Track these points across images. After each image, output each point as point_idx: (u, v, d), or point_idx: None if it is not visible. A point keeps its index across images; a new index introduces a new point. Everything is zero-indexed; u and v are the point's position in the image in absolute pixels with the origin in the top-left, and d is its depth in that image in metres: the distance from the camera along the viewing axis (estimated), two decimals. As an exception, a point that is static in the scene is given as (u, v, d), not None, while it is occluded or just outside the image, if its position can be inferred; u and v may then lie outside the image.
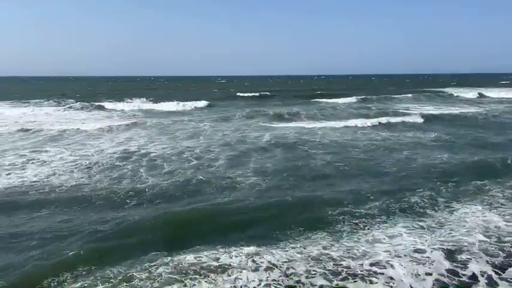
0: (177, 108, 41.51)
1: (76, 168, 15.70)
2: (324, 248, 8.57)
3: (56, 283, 7.34)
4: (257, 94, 63.09)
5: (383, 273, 7.51)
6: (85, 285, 7.18)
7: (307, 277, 7.41)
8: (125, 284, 7.16)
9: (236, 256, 8.11)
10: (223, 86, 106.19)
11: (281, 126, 28.39)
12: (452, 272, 7.56)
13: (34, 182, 13.85)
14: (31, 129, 25.87)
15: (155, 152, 18.63)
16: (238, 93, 64.40)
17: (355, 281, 7.27)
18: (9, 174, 14.90)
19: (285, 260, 8.01)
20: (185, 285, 7.12)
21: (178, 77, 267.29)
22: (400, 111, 37.61)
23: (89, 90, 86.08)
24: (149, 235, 9.41)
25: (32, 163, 16.62)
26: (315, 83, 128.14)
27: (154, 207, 11.41)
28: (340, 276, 7.40)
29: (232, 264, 7.82)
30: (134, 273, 7.45)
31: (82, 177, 14.36)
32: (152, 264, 7.85)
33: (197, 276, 7.37)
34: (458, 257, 8.08)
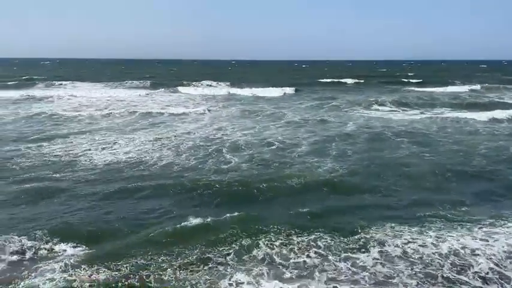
0: (263, 93, 41.57)
1: (165, 147, 17.03)
2: (407, 244, 8.45)
3: (141, 256, 8.08)
4: (343, 80, 61.38)
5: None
6: (164, 261, 7.93)
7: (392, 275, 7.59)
8: (202, 265, 7.73)
9: (307, 250, 8.37)
10: (305, 71, 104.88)
11: (366, 113, 27.93)
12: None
13: (129, 158, 15.34)
14: (119, 111, 28.29)
15: (238, 135, 19.53)
16: (321, 79, 63.14)
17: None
18: (104, 149, 16.67)
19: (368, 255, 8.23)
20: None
21: (258, 61, 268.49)
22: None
23: (171, 73, 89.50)
24: (229, 215, 9.89)
25: (125, 142, 18.31)
26: (405, 68, 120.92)
27: (235, 190, 11.90)
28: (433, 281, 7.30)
29: (310, 251, 8.26)
30: (212, 257, 8.04)
31: (170, 156, 15.57)
32: (233, 246, 8.56)
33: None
34: None
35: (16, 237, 8.68)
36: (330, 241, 8.61)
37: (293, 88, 45.39)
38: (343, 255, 8.06)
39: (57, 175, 13.20)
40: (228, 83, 53.44)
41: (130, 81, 55.23)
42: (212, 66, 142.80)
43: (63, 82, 53.75)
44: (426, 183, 12.65)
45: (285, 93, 42.33)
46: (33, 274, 7.39)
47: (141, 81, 55.63)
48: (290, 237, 8.78)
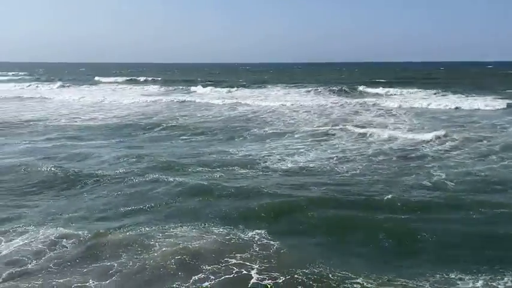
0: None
1: (359, 156, 16.48)
2: None
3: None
4: None
5: None
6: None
7: None
8: None
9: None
10: None
11: None
12: None
13: (314, 164, 15.34)
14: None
15: (447, 148, 17.48)
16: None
17: None
18: (287, 157, 16.75)
19: None
20: None
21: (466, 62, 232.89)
22: None
23: (353, 76, 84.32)
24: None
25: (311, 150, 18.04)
26: None
27: (441, 211, 10.76)
28: None
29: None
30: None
31: (361, 167, 14.84)
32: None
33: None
34: None
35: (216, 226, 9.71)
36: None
37: None
38: None
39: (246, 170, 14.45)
40: (434, 91, 44.80)
41: (319, 86, 54.18)
42: (400, 68, 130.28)
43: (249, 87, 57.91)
44: None
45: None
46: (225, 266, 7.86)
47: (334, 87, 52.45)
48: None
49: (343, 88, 50.86)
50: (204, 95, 47.93)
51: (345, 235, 9.44)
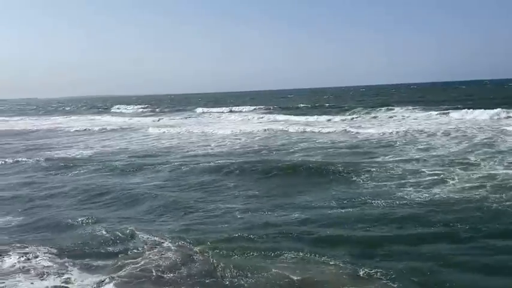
0: None
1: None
2: None
3: None
4: None
5: None
6: None
7: None
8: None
9: None
10: None
11: None
12: None
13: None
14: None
15: None
16: None
17: None
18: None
19: None
20: None
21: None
22: None
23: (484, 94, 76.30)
24: None
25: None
26: None
27: None
28: None
29: None
30: None
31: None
32: None
33: None
34: None
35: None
36: None
37: None
38: None
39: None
40: None
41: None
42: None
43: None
44: None
45: None
46: None
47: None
48: None
49: (476, 108, 45.59)
50: (318, 122, 46.58)
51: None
